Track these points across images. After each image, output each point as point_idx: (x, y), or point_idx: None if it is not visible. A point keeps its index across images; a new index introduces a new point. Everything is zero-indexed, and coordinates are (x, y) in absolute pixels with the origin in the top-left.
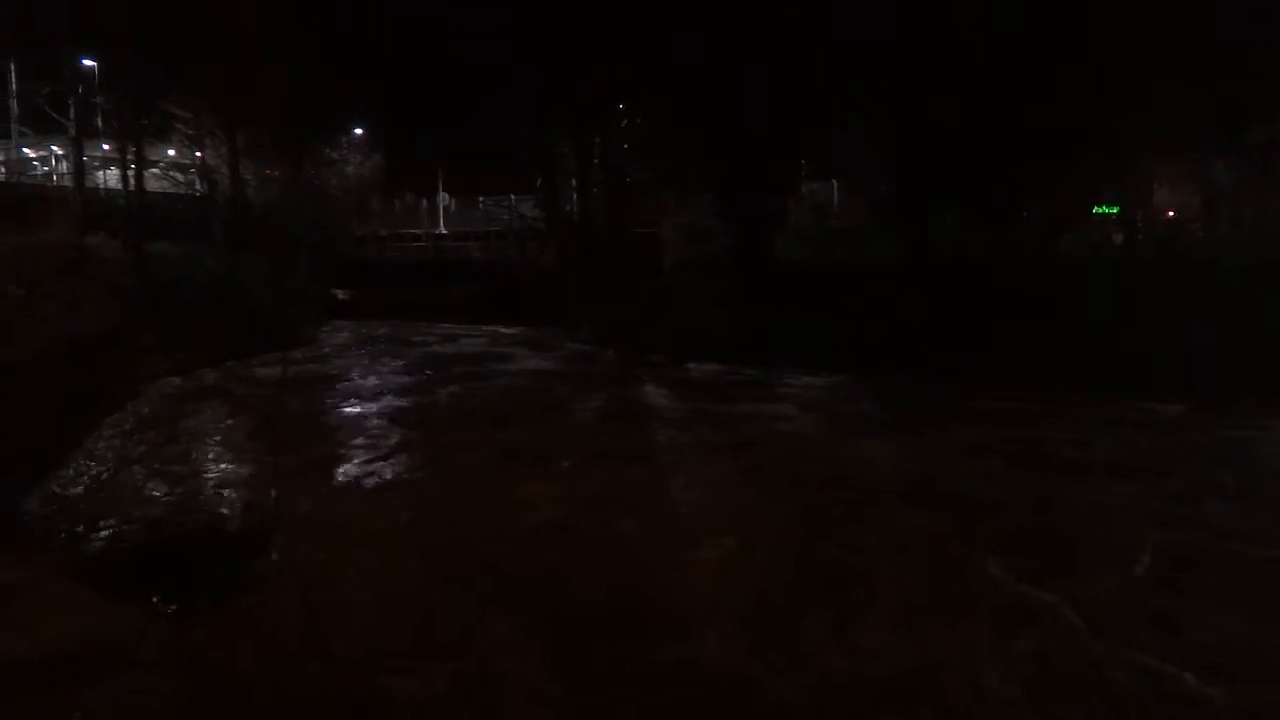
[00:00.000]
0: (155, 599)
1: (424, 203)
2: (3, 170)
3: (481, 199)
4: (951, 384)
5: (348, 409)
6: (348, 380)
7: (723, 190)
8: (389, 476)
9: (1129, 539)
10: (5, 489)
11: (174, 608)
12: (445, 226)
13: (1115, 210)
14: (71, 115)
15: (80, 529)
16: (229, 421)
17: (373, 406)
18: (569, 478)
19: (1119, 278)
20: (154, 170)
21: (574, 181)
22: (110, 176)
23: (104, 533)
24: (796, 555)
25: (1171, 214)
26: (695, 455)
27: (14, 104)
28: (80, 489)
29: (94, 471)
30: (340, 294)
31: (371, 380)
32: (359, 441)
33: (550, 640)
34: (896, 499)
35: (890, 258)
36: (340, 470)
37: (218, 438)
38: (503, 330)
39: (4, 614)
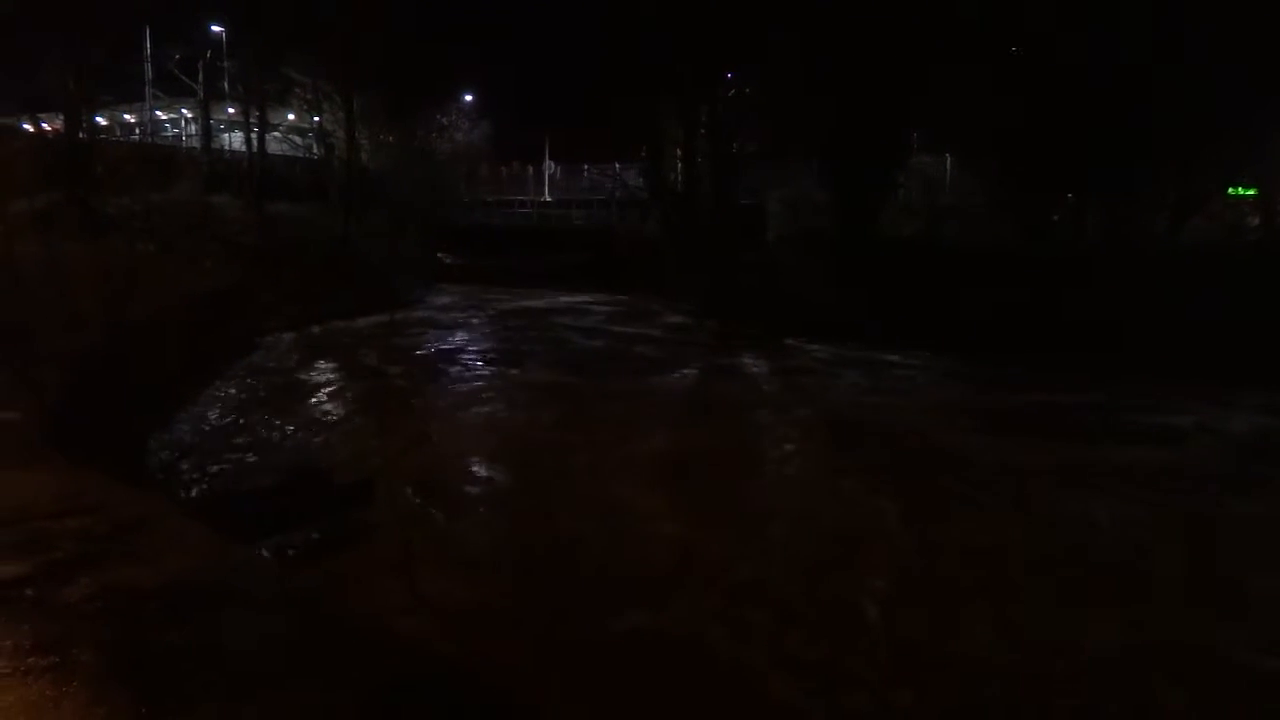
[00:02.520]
0: (264, 539)
1: (530, 170)
2: (137, 132)
3: (586, 167)
4: (1064, 377)
5: (449, 371)
6: (450, 342)
7: (829, 161)
8: (482, 441)
9: None
10: (135, 431)
11: (281, 548)
12: (550, 194)
13: (1252, 193)
14: (200, 79)
15: (198, 469)
16: (336, 374)
17: (470, 373)
18: (634, 438)
19: (1255, 264)
20: (275, 134)
21: (678, 151)
22: (234, 139)
23: (219, 474)
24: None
25: None
26: (775, 429)
27: (148, 68)
28: (199, 432)
29: (212, 416)
30: (446, 258)
31: (472, 344)
32: (456, 403)
33: None
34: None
35: (1003, 236)
36: (437, 434)
37: (325, 389)
38: (602, 298)
39: (128, 546)
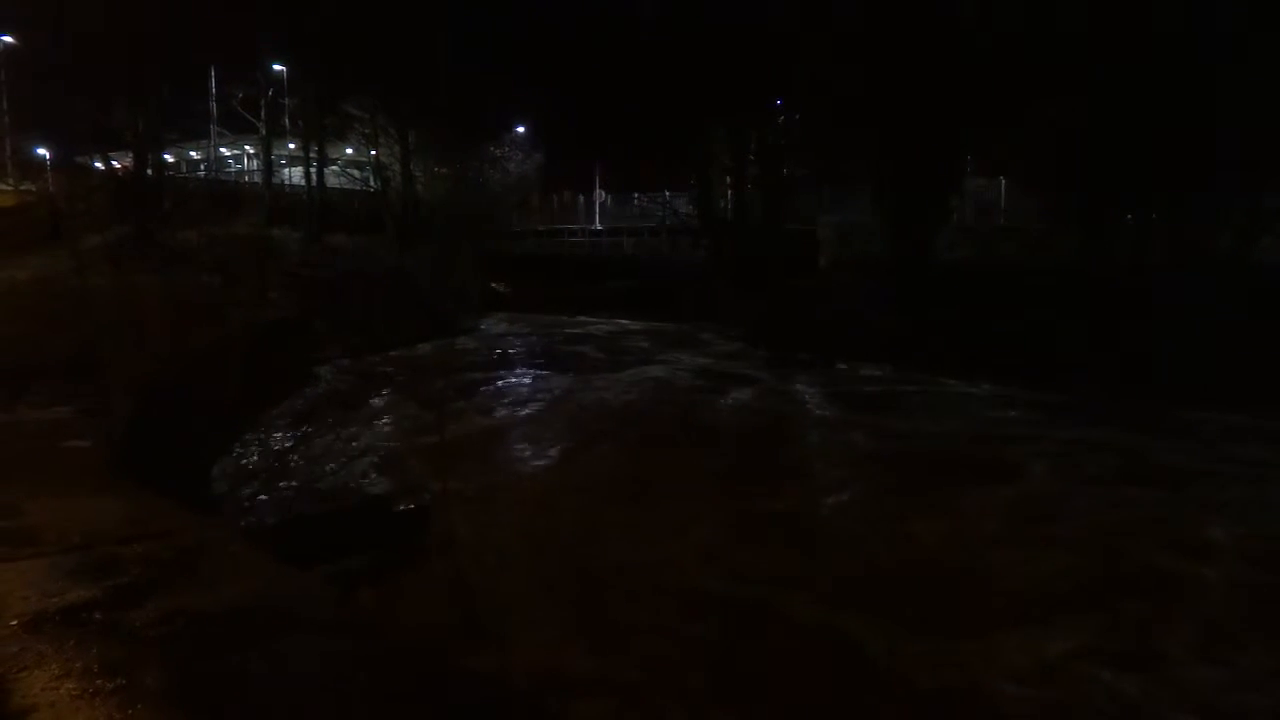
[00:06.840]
0: (323, 564)
1: (581, 199)
2: (202, 169)
3: (637, 195)
4: (1125, 402)
5: (502, 400)
6: (502, 369)
7: (882, 186)
8: (539, 470)
9: None
10: (200, 457)
11: (340, 573)
12: (601, 222)
13: None
14: (262, 116)
15: (259, 495)
16: (393, 402)
17: (522, 401)
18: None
19: None
20: (333, 167)
21: (728, 178)
22: (294, 174)
23: (278, 500)
24: None
25: None
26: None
27: (214, 107)
28: (260, 459)
29: (272, 443)
30: (499, 287)
31: (525, 374)
32: (511, 431)
33: None
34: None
35: (1062, 259)
36: (489, 464)
37: (381, 416)
38: (652, 325)
39: (190, 573)
